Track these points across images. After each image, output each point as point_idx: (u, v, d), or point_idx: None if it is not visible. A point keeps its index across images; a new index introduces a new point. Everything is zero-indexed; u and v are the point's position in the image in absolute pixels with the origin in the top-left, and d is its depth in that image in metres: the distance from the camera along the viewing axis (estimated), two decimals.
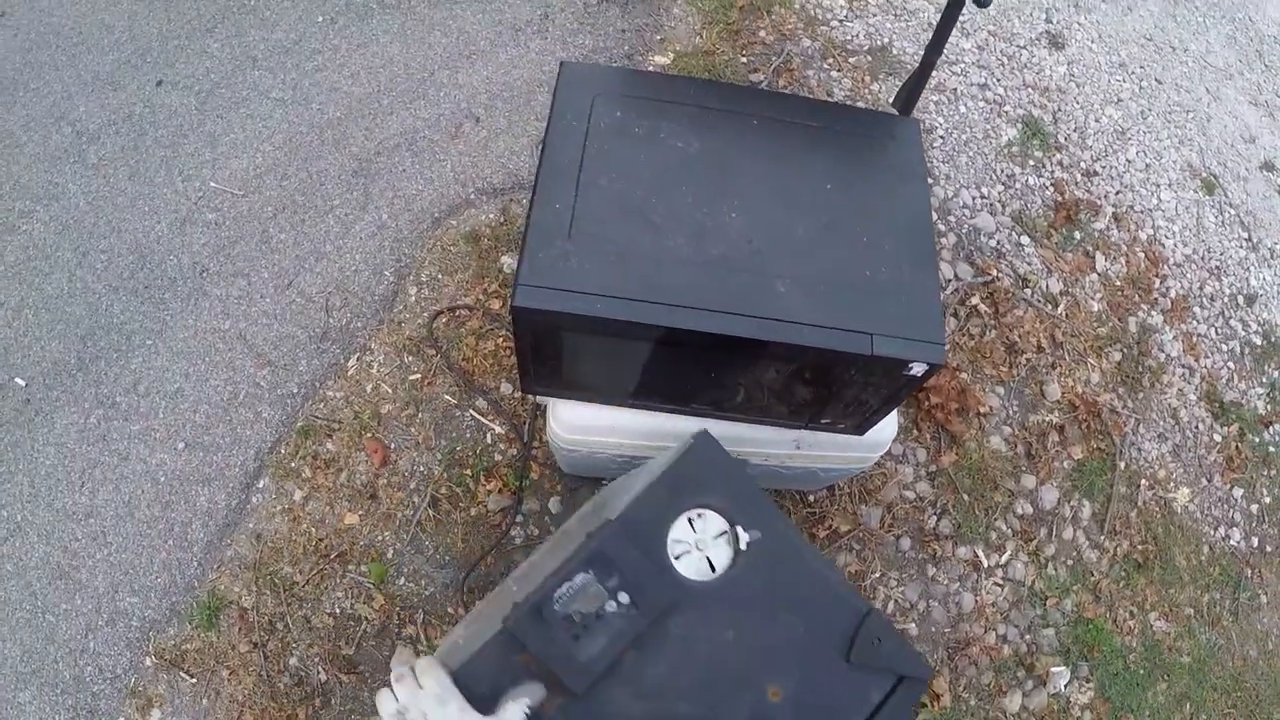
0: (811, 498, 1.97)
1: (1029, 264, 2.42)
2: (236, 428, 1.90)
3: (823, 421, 1.39)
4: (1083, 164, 2.55)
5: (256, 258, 1.99)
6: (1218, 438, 2.35)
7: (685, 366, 1.24)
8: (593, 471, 1.79)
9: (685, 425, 1.41)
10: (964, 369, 2.22)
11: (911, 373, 1.12)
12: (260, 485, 1.86)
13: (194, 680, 1.84)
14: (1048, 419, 2.25)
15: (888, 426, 1.46)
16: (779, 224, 1.14)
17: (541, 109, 2.11)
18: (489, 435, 1.85)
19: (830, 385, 1.22)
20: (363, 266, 1.97)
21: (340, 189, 2.04)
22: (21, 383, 2.05)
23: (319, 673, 1.77)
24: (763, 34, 2.29)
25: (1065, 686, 2.08)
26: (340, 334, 1.93)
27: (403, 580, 1.80)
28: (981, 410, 2.20)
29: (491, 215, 2.01)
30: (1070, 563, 2.17)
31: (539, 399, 1.69)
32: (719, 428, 1.43)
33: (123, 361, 1.99)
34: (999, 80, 2.61)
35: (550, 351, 1.20)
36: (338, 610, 1.80)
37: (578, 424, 1.45)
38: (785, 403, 1.33)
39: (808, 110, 1.27)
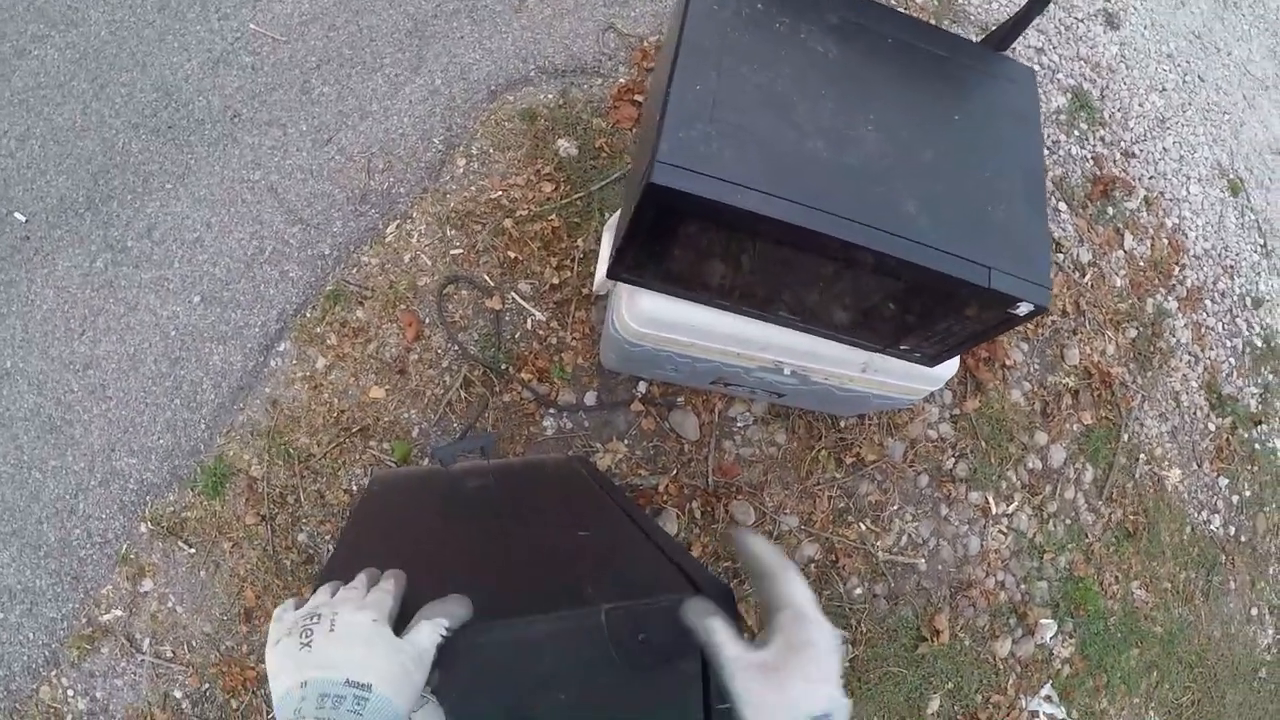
0: (843, 423, 1.84)
1: (1063, 230, 2.31)
2: (259, 285, 1.68)
3: (901, 347, 1.34)
4: (1123, 143, 2.45)
5: (295, 108, 1.76)
6: (1212, 427, 2.33)
7: (790, 272, 1.17)
8: (643, 369, 1.62)
9: (762, 333, 1.33)
10: None
11: (1017, 311, 1.08)
12: (281, 349, 1.65)
13: (192, 551, 1.64)
14: (1064, 381, 2.17)
15: (951, 363, 1.40)
16: (911, 145, 1.07)
17: None
18: (529, 321, 1.67)
19: (930, 312, 1.17)
20: (410, 131, 1.75)
21: (392, 48, 1.81)
22: (21, 218, 1.80)
23: (329, 550, 1.58)
24: None
25: (1051, 638, 2.06)
26: (380, 198, 1.71)
27: (426, 462, 1.61)
28: (1006, 363, 2.10)
29: (550, 96, 1.80)
30: (1068, 522, 2.12)
31: (597, 289, 1.51)
32: (794, 339, 1.31)
33: (137, 204, 1.75)
34: (1055, 48, 2.48)
35: (659, 237, 1.11)
36: (354, 487, 1.61)
37: (655, 317, 1.33)
38: (874, 323, 1.27)
39: (937, 38, 1.20)
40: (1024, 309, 1.07)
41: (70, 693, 1.67)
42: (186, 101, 1.79)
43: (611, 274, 1.30)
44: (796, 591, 0.62)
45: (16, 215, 1.81)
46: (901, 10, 1.38)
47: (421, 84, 1.79)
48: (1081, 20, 2.58)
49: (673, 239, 1.14)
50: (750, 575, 0.65)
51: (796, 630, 0.60)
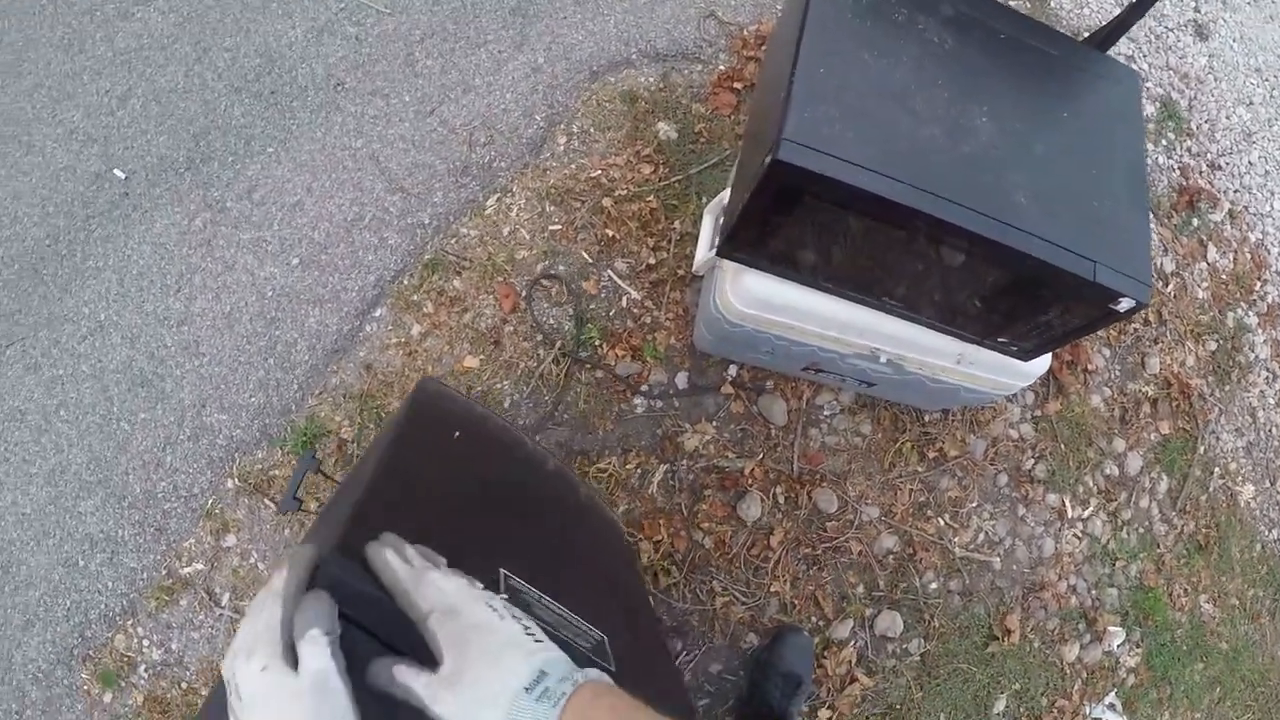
0: (927, 418, 1.84)
1: None
2: (358, 251, 1.69)
3: (999, 340, 1.35)
4: (1209, 155, 2.45)
5: (398, 80, 1.78)
6: None
7: (899, 257, 1.19)
8: (737, 352, 1.63)
9: (863, 319, 1.34)
10: None
11: (1118, 308, 1.10)
12: (377, 315, 1.67)
13: (277, 509, 1.65)
14: (1144, 390, 2.16)
15: (1044, 360, 1.42)
16: (1022, 138, 1.10)
17: None
18: (624, 299, 1.68)
19: (1032, 304, 1.19)
20: (513, 106, 1.77)
21: (496, 24, 1.83)
22: (121, 175, 1.83)
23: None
24: None
25: (1118, 646, 2.04)
26: (481, 171, 1.73)
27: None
28: (1089, 367, 2.10)
29: (651, 79, 1.82)
30: (1141, 531, 2.10)
31: (697, 269, 1.52)
32: (894, 326, 1.35)
33: (238, 166, 1.78)
34: (1144, 56, 2.48)
35: (774, 216, 1.13)
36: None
37: (760, 297, 1.34)
38: (976, 313, 1.28)
39: (1046, 36, 1.23)
40: (1125, 304, 1.09)
41: (145, 643, 1.68)
42: (290, 68, 1.81)
43: (722, 252, 1.32)
44: (433, 593, 0.56)
45: (116, 172, 1.84)
46: (1011, 6, 1.39)
47: (524, 61, 1.81)
48: (1171, 30, 2.57)
49: (787, 219, 1.15)
50: (391, 595, 0.58)
51: (452, 626, 0.55)
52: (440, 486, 0.82)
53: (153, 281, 1.76)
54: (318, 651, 0.51)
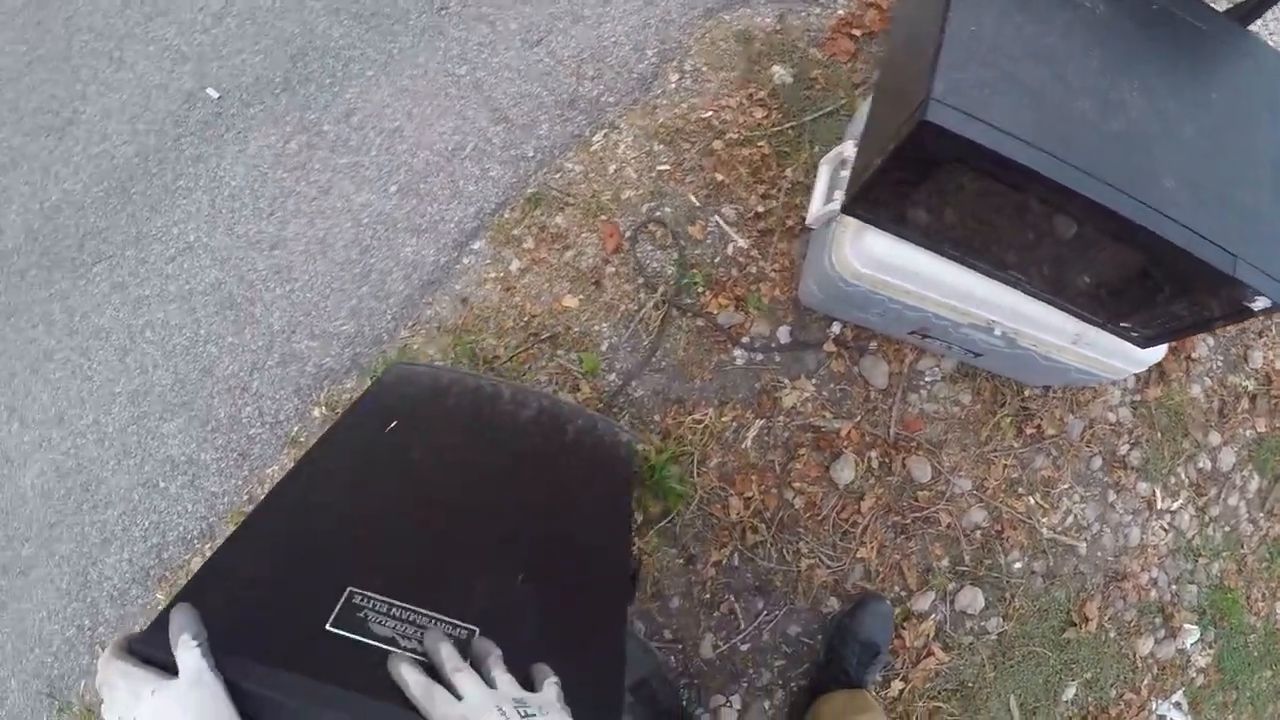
0: (1027, 392, 1.78)
1: None
2: (458, 181, 1.65)
3: (1122, 324, 1.30)
4: None
5: (505, 6, 1.72)
6: None
7: (1035, 231, 1.14)
8: (845, 311, 1.57)
9: (986, 290, 1.29)
10: None
11: (1254, 305, 1.06)
12: (475, 247, 1.63)
13: None
14: (1244, 384, 2.08)
15: (1161, 349, 1.38)
16: (1172, 118, 1.05)
17: None
18: (730, 247, 1.62)
19: (1165, 292, 1.14)
20: (624, 40, 1.70)
21: None
22: (214, 94, 1.79)
23: None
24: None
25: (1191, 645, 1.98)
26: (589, 105, 1.67)
27: (613, 376, 1.58)
28: (1192, 355, 2.02)
29: (768, 20, 1.74)
30: (1227, 529, 2.04)
31: (811, 222, 1.46)
32: (1015, 300, 1.29)
33: (336, 88, 1.73)
34: (1271, 33, 2.37)
35: (912, 178, 1.08)
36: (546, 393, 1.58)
37: (881, 259, 1.29)
38: (1105, 296, 1.24)
39: (1196, 9, 1.16)
40: (1261, 303, 1.05)
41: None
42: None
43: (847, 209, 1.26)
44: (442, 706, 0.60)
45: (210, 91, 1.80)
46: None
47: None
48: None
49: (923, 182, 1.10)
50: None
51: None
52: (343, 494, 0.86)
53: (245, 204, 1.73)
54: (190, 654, 0.58)
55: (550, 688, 0.65)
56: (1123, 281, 1.19)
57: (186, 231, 1.75)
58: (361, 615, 0.69)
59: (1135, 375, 1.95)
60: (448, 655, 0.64)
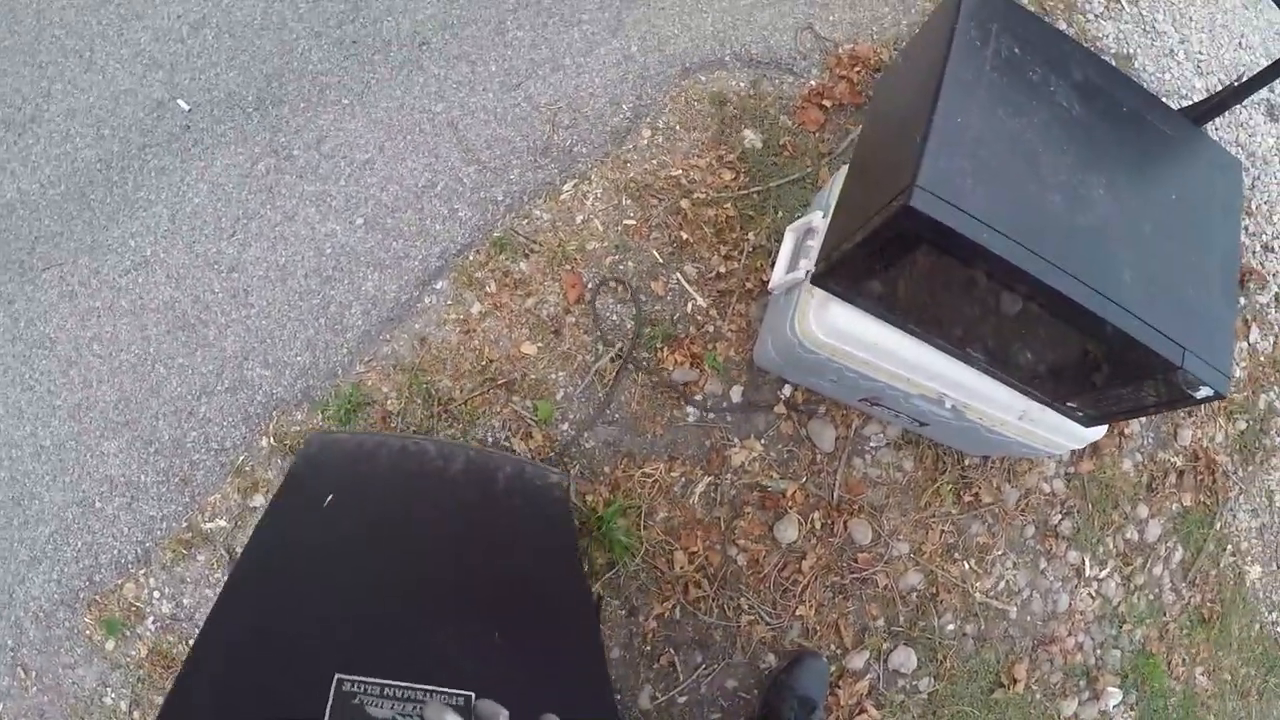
0: (967, 461, 1.84)
1: None
2: (426, 219, 1.65)
3: (1068, 404, 1.37)
4: (1265, 237, 2.47)
5: (487, 48, 1.73)
6: None
7: (996, 314, 1.20)
8: (799, 375, 1.61)
9: (941, 365, 1.35)
10: None
11: (1197, 394, 1.13)
12: (438, 287, 1.63)
13: None
14: (1172, 460, 2.19)
15: (1102, 427, 1.45)
16: (1134, 215, 1.13)
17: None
18: (690, 305, 1.66)
19: (1114, 378, 1.22)
20: (600, 92, 1.73)
21: (592, 5, 1.78)
22: (185, 106, 1.77)
23: None
24: (1025, 1, 2.12)
25: (1114, 707, 2.08)
26: (562, 154, 1.69)
27: (566, 426, 1.60)
28: (1124, 432, 2.12)
29: (742, 85, 1.78)
30: (1151, 597, 2.13)
31: (773, 288, 1.50)
32: (967, 375, 1.36)
33: (310, 113, 1.73)
34: (1215, 129, 2.49)
35: (886, 257, 1.14)
36: (489, 439, 1.59)
37: (844, 330, 1.33)
38: (1055, 377, 1.31)
39: (1163, 114, 1.25)
40: (1204, 393, 1.12)
41: (156, 594, 1.64)
42: (375, 19, 1.75)
43: (818, 281, 1.30)
44: None
45: (180, 103, 1.78)
46: (1136, 80, 1.39)
47: (618, 47, 1.76)
48: (1244, 106, 2.59)
49: (894, 261, 1.15)
50: None
51: None
52: (302, 582, 0.88)
53: (206, 222, 1.71)
54: None
55: None
56: (1074, 365, 1.26)
57: (144, 245, 1.73)
58: (356, 702, 0.70)
59: (1070, 450, 2.04)
60: None
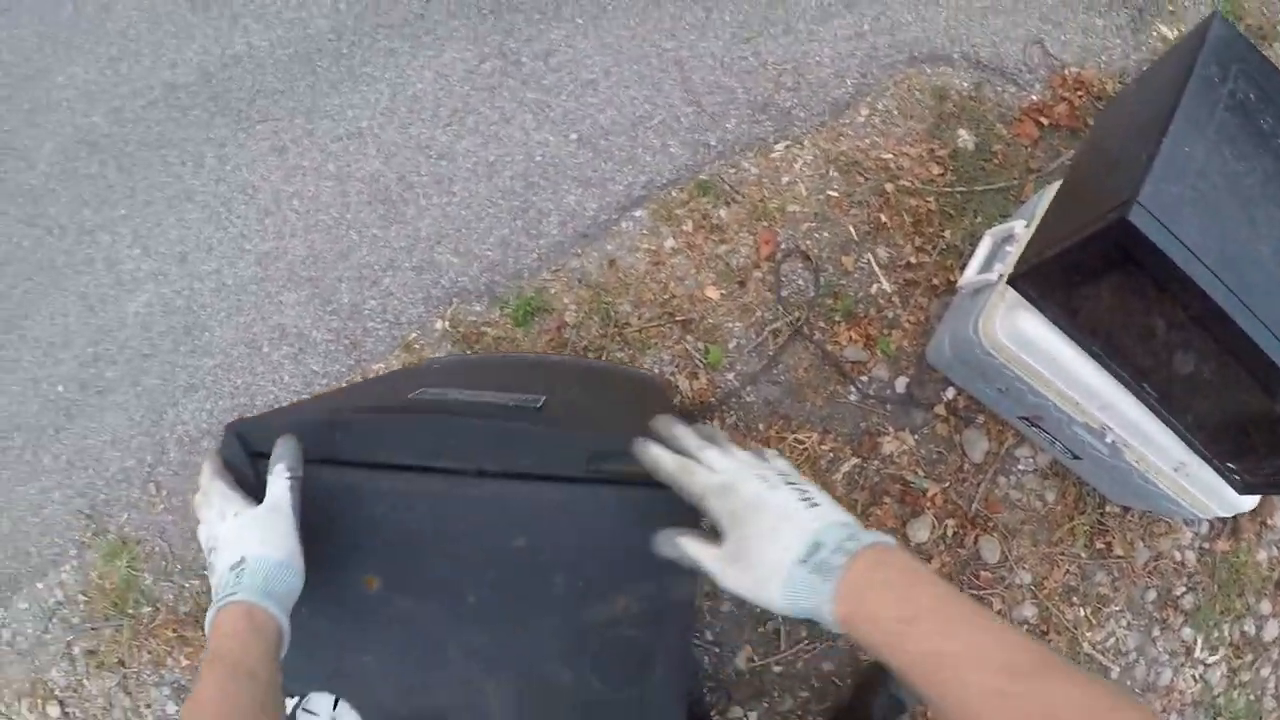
0: (1108, 507, 1.83)
1: None
2: (638, 148, 1.71)
3: (1229, 464, 1.36)
4: None
5: None
6: None
7: (1182, 352, 1.21)
8: (967, 379, 1.62)
9: (1113, 395, 1.35)
10: None
11: None
12: (636, 215, 1.68)
13: None
14: None
15: (1254, 498, 1.43)
16: None
17: (1048, 10, 1.91)
18: (875, 287, 1.68)
19: None
20: (827, 63, 1.76)
21: None
22: None
23: None
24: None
25: None
26: (779, 114, 1.73)
27: (731, 375, 1.63)
28: (1268, 522, 2.07)
29: (965, 84, 1.80)
30: (1252, 697, 2.08)
31: (963, 285, 1.52)
32: (1136, 412, 1.36)
33: (543, 25, 1.79)
34: None
35: (1090, 270, 1.16)
36: (657, 370, 1.64)
37: (1027, 337, 1.34)
38: (1225, 432, 1.31)
39: None
40: None
41: None
42: None
43: (1015, 283, 1.32)
44: (702, 475, 0.63)
45: None
46: None
47: (851, 22, 1.80)
48: None
49: (1096, 276, 1.16)
50: (669, 485, 0.66)
51: (727, 504, 0.61)
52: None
53: (425, 107, 1.79)
54: (280, 483, 0.67)
55: (780, 460, 0.67)
56: (1246, 421, 1.24)
57: (360, 117, 1.81)
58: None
59: (1209, 523, 2.00)
60: (684, 433, 0.67)
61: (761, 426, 1.62)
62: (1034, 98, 1.81)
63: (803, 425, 1.63)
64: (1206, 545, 1.95)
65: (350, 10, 1.88)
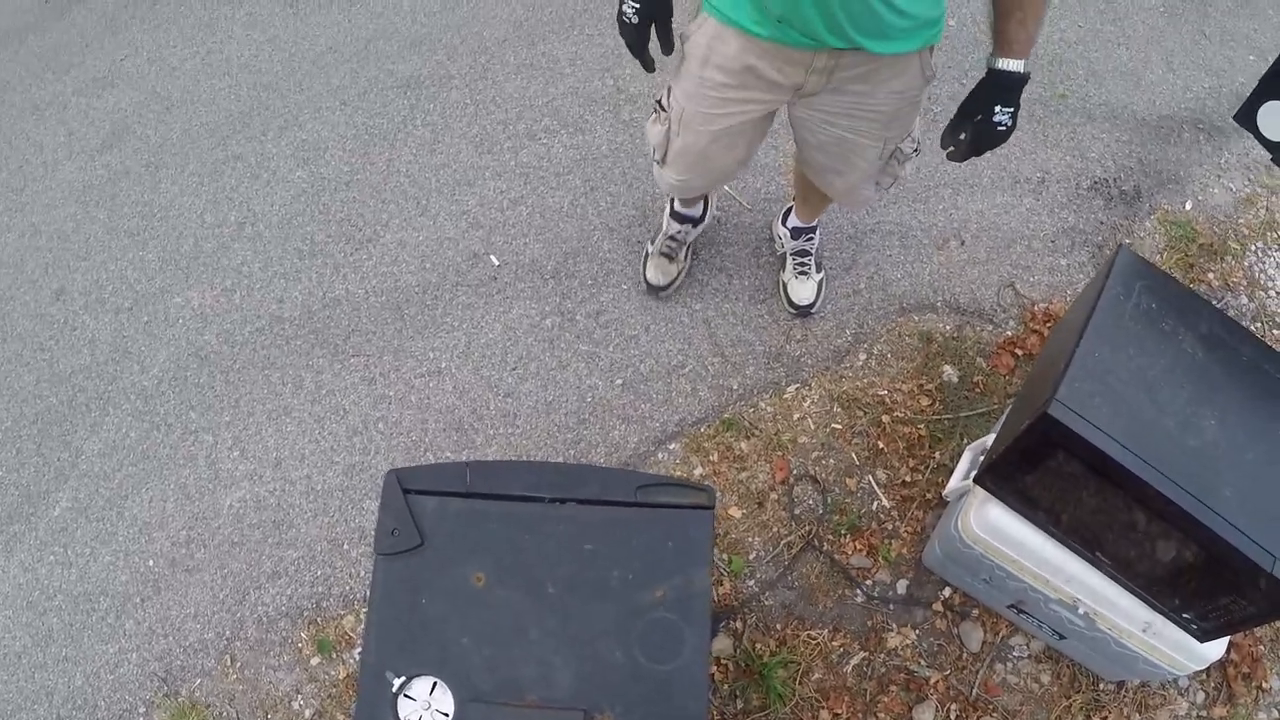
0: (1102, 685, 2.26)
1: None
2: (672, 392, 2.35)
3: (1183, 615, 1.71)
4: None
5: (744, 264, 2.50)
6: None
7: (1119, 519, 1.62)
8: (958, 575, 2.15)
9: (1074, 568, 1.78)
10: (1264, 642, 2.49)
11: None
12: (670, 447, 2.30)
13: None
14: None
15: (1219, 645, 1.77)
16: (1240, 445, 1.54)
17: (1017, 257, 2.54)
18: (875, 503, 2.24)
19: (1216, 583, 1.56)
20: (829, 318, 2.44)
21: (831, 246, 2.50)
22: (496, 261, 2.56)
23: None
24: (1210, 277, 2.68)
25: None
26: (790, 362, 2.37)
27: (752, 582, 2.18)
28: (1263, 686, 2.46)
29: (948, 327, 2.44)
30: None
31: (948, 495, 2.05)
32: (1097, 580, 1.79)
33: (594, 288, 2.48)
34: None
35: (1031, 459, 1.61)
36: None
37: (996, 526, 1.84)
38: (1168, 582, 1.66)
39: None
40: None
41: None
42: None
43: (978, 479, 1.83)
44: None
45: (492, 258, 2.57)
46: (1259, 337, 1.87)
47: (848, 283, 2.48)
48: None
49: (1038, 464, 1.62)
50: None
51: None
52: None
53: (495, 354, 2.45)
54: None
55: None
56: (1184, 572, 1.61)
57: (440, 359, 2.47)
58: None
59: (1204, 692, 2.40)
60: None
61: (778, 626, 2.15)
62: (1008, 333, 2.43)
63: (815, 624, 2.15)
64: (1204, 713, 2.35)
65: (434, 269, 2.58)
